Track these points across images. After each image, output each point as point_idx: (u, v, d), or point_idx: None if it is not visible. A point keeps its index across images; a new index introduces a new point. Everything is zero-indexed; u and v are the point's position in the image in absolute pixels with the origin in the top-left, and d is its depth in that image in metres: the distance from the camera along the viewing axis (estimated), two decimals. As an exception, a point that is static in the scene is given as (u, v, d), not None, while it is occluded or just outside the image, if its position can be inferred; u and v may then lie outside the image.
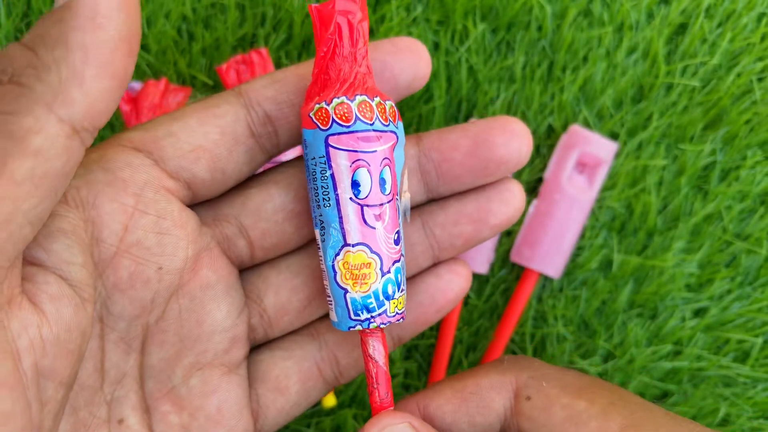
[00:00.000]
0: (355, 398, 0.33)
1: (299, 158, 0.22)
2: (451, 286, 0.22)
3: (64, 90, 0.15)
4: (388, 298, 0.19)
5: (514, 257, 0.33)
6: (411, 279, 0.22)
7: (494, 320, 0.34)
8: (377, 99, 0.19)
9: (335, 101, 0.19)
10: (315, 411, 0.33)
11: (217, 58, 0.33)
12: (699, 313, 0.34)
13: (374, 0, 0.33)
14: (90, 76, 0.15)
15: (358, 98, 0.19)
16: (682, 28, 0.35)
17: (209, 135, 0.20)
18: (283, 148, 0.21)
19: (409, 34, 0.33)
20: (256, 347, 0.23)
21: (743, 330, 0.34)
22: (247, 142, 0.20)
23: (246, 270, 0.22)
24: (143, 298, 0.19)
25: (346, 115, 0.18)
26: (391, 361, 0.33)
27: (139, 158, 0.19)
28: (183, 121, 0.19)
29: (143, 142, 0.19)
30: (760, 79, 0.34)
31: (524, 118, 0.34)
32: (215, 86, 0.33)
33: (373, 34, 0.34)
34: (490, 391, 0.20)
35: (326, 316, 0.23)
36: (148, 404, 0.20)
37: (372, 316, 0.19)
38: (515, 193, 0.21)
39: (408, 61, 0.20)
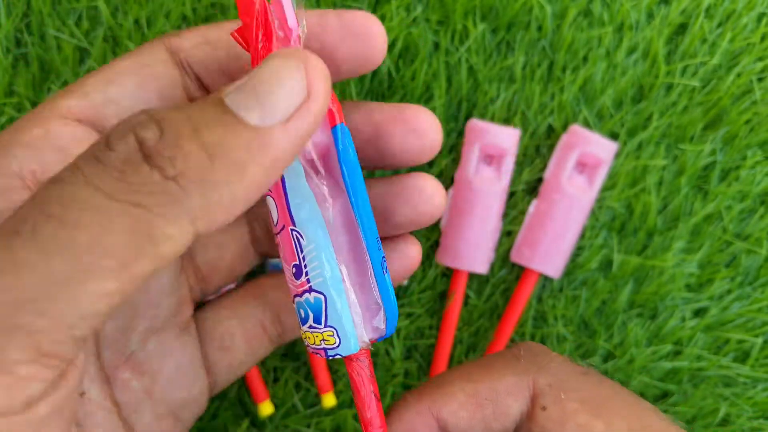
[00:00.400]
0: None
1: None
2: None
3: (215, 212, 0.14)
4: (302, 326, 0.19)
5: (514, 257, 0.33)
6: None
7: (494, 320, 0.34)
8: None
9: None
10: (315, 411, 0.33)
11: (217, 59, 0.33)
12: (699, 313, 0.34)
13: (374, 0, 0.34)
14: (242, 206, 0.15)
15: None
16: (682, 28, 0.35)
17: (150, 101, 0.18)
18: None
19: (409, 34, 0.33)
20: (202, 307, 0.23)
21: (743, 330, 0.34)
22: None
23: None
24: None
25: None
26: (390, 361, 0.33)
27: (87, 132, 0.18)
28: (120, 84, 0.18)
29: (84, 112, 0.18)
30: (760, 79, 0.35)
31: (524, 117, 0.34)
32: (215, 86, 0.33)
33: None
34: (507, 398, 0.19)
35: (269, 274, 0.23)
36: (108, 374, 0.20)
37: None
38: (427, 191, 0.20)
39: (359, 46, 0.18)
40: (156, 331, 0.21)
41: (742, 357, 0.34)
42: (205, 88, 0.19)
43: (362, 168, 0.20)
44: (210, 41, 0.19)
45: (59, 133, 0.17)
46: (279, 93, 0.15)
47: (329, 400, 0.32)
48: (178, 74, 0.19)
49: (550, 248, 0.32)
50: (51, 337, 0.13)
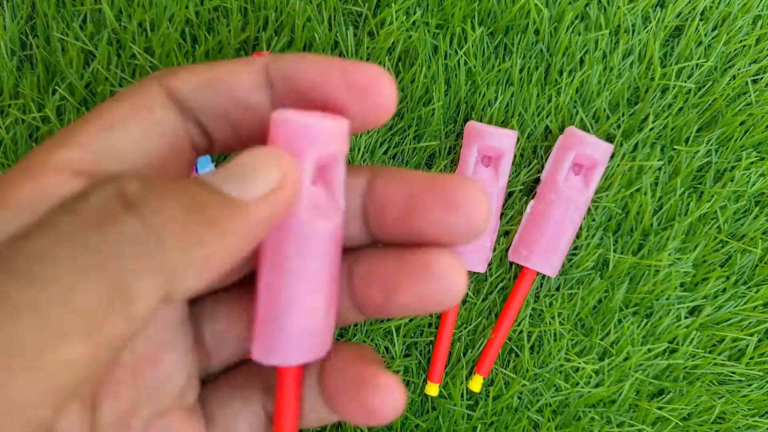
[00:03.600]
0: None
1: None
2: (380, 408, 0.18)
3: (188, 272, 0.14)
4: None
5: (512, 257, 0.34)
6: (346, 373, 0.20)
7: (492, 318, 0.34)
8: None
9: None
10: (316, 408, 0.34)
11: (219, 61, 0.34)
12: (694, 311, 0.35)
13: (374, 4, 0.34)
14: (211, 273, 0.14)
15: None
16: (677, 31, 0.35)
17: (155, 150, 0.17)
18: (215, 154, 0.20)
19: (409, 37, 0.34)
20: (203, 386, 0.21)
21: (738, 329, 0.34)
22: (189, 154, 0.18)
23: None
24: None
25: None
26: (391, 358, 0.34)
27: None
28: (121, 131, 0.17)
29: (83, 163, 0.16)
30: (754, 81, 0.35)
31: (522, 119, 0.34)
32: (218, 88, 0.34)
33: (372, 37, 0.34)
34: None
35: None
36: None
37: None
38: (443, 273, 0.17)
39: (366, 104, 0.17)
40: (161, 414, 0.18)
41: (737, 355, 0.35)
42: (208, 135, 0.18)
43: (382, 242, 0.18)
44: (210, 84, 0.17)
45: (56, 188, 0.15)
46: (257, 174, 0.15)
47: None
48: (181, 120, 0.18)
49: (547, 248, 0.33)
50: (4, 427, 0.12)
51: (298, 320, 0.17)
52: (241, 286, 0.21)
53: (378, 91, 0.16)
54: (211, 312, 0.20)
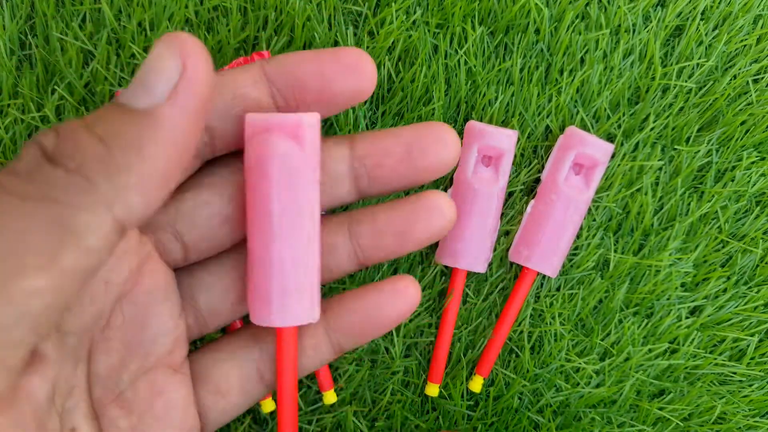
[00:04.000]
0: (356, 395, 0.34)
1: (231, 157, 0.22)
2: (394, 305, 0.22)
3: (128, 194, 0.15)
4: None
5: (512, 257, 0.34)
6: (354, 290, 0.23)
7: (492, 319, 0.34)
8: None
9: None
10: (316, 408, 0.33)
11: (219, 61, 0.34)
12: (695, 312, 0.35)
13: (374, 3, 0.34)
14: (154, 185, 0.15)
15: None
16: (678, 31, 0.35)
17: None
18: (217, 154, 0.21)
19: (409, 36, 0.34)
20: (198, 348, 0.23)
21: (738, 329, 0.34)
22: (194, 162, 0.20)
23: (178, 270, 0.22)
24: (91, 313, 0.19)
25: None
26: (391, 358, 0.34)
27: None
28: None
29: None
30: (755, 81, 0.35)
31: (522, 119, 0.34)
32: (217, 88, 0.34)
33: (372, 36, 0.34)
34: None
35: None
36: (97, 411, 0.20)
37: None
38: (443, 208, 0.22)
39: (351, 80, 0.20)
40: (147, 369, 0.21)
41: (738, 356, 0.35)
42: (213, 136, 0.20)
43: (391, 191, 0.22)
44: (216, 85, 0.20)
45: None
46: (156, 76, 0.16)
47: (330, 397, 0.33)
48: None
49: (547, 248, 0.33)
50: None
51: (293, 281, 0.20)
52: (230, 255, 0.22)
53: (363, 68, 0.20)
54: (205, 281, 0.22)
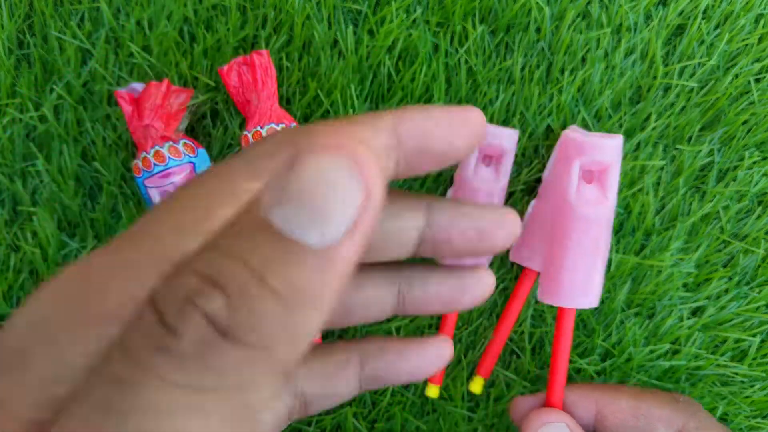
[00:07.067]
0: (356, 396, 0.33)
1: None
2: (432, 362, 0.22)
3: (298, 351, 0.13)
4: None
5: (513, 257, 0.34)
6: (397, 341, 0.23)
7: (493, 319, 0.34)
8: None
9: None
10: (315, 409, 0.33)
11: (218, 60, 0.33)
12: (696, 312, 0.35)
13: (374, 2, 0.34)
14: (318, 329, 0.13)
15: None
16: (680, 30, 0.35)
17: None
18: None
19: (409, 35, 0.34)
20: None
21: (740, 329, 0.34)
22: None
23: None
24: None
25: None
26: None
27: None
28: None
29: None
30: (757, 80, 0.35)
31: (523, 118, 0.34)
32: (217, 87, 0.33)
33: (372, 35, 0.34)
34: (657, 423, 0.25)
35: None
36: None
37: None
38: (487, 286, 0.22)
39: (469, 141, 0.18)
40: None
41: (740, 356, 0.34)
42: None
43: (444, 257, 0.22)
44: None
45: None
46: (335, 205, 0.12)
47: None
48: None
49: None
50: None
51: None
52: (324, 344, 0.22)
53: (481, 129, 0.18)
54: (310, 375, 0.20)
